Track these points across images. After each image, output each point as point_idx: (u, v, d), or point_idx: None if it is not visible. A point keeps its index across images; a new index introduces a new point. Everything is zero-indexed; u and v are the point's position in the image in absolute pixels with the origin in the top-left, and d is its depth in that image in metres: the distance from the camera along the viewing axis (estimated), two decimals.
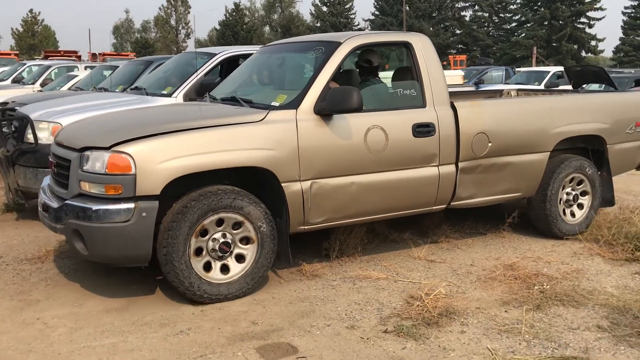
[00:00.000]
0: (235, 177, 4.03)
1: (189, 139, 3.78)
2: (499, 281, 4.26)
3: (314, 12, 57.20)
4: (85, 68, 14.96)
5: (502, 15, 56.73)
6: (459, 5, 56.91)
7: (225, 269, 3.93)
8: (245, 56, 7.32)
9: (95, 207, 3.60)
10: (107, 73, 10.92)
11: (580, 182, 5.44)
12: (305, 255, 4.83)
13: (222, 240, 3.86)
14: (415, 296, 3.94)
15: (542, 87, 16.14)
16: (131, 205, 3.59)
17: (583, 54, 53.56)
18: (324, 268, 4.56)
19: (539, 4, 52.74)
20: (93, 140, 3.84)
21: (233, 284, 3.92)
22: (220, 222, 3.85)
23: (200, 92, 6.17)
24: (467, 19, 57.45)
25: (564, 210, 5.37)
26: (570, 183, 5.38)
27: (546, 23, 52.60)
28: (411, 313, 3.67)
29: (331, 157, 4.16)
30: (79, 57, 29.22)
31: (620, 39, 55.40)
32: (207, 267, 3.89)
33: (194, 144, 3.76)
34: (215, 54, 6.60)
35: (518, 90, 7.55)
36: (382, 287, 4.18)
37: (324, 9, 55.82)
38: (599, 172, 5.51)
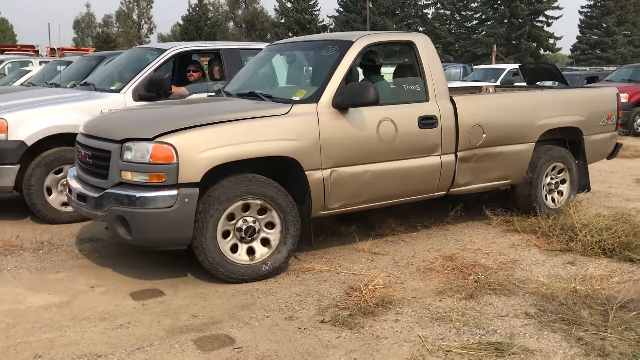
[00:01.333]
0: (259, 166, 4.27)
1: (225, 131, 4.09)
2: (437, 272, 4.40)
3: (278, 8, 57.03)
4: (40, 63, 14.69)
5: (463, 13, 57.56)
6: (422, 3, 57.53)
7: (251, 251, 4.22)
8: (198, 52, 7.40)
9: (140, 194, 3.86)
10: (61, 68, 10.76)
11: (560, 171, 5.97)
12: None
13: (247, 225, 4.16)
14: (354, 287, 4.04)
15: (498, 83, 16.49)
16: (174, 192, 3.86)
17: (542, 51, 54.75)
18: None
19: (499, 2, 53.69)
20: (135, 132, 4.06)
21: (258, 264, 4.21)
22: (246, 208, 4.15)
23: (149, 88, 6.17)
24: (430, 16, 58.12)
25: (546, 196, 5.88)
26: (552, 171, 5.90)
27: (506, 21, 53.58)
28: (349, 303, 3.78)
29: (348, 147, 4.51)
30: (37, 52, 28.57)
31: (577, 37, 56.84)
32: (234, 249, 4.18)
33: (229, 135, 4.07)
34: (165, 50, 6.58)
35: (495, 86, 7.83)
36: (324, 279, 4.27)
37: (289, 5, 55.69)
38: (576, 161, 6.04)
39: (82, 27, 74.46)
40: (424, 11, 58.02)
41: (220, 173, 4.05)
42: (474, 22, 57.06)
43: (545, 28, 54.18)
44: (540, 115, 5.65)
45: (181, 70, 7.06)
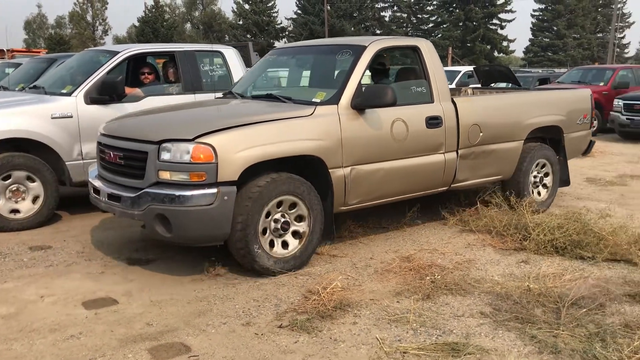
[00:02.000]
0: (287, 164, 4.43)
1: (258, 131, 4.27)
2: (395, 273, 4.42)
3: (236, 9, 56.64)
4: None
5: (420, 16, 58.31)
6: (379, 6, 58.05)
7: (285, 245, 4.45)
8: (152, 54, 7.27)
9: (181, 193, 4.00)
10: (9, 71, 10.43)
11: (543, 166, 6.41)
12: (209, 254, 4.83)
13: (283, 219, 4.39)
14: (313, 290, 4.02)
15: (453, 86, 16.75)
16: (214, 190, 4.01)
17: (496, 54, 55.93)
18: (226, 267, 4.57)
19: (454, 5, 54.64)
20: (173, 133, 4.20)
21: (290, 258, 4.44)
22: (279, 204, 4.36)
23: (101, 91, 6.03)
24: (387, 19, 58.70)
25: (532, 190, 6.29)
26: (536, 167, 6.32)
27: (461, 24, 54.57)
28: (307, 307, 3.76)
29: (366, 145, 4.77)
30: None
31: (530, 40, 58.30)
32: (271, 244, 4.40)
33: (262, 136, 4.26)
34: (118, 52, 6.43)
35: (473, 88, 8.00)
36: (282, 283, 4.24)
37: (246, 6, 55.39)
38: (557, 157, 6.50)
39: (34, 28, 72.34)
40: (382, 14, 58.58)
41: (252, 172, 4.20)
42: (430, 25, 57.90)
43: (499, 31, 55.40)
44: (528, 115, 6.09)
45: (135, 72, 6.92)
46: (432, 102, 5.30)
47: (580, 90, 7.15)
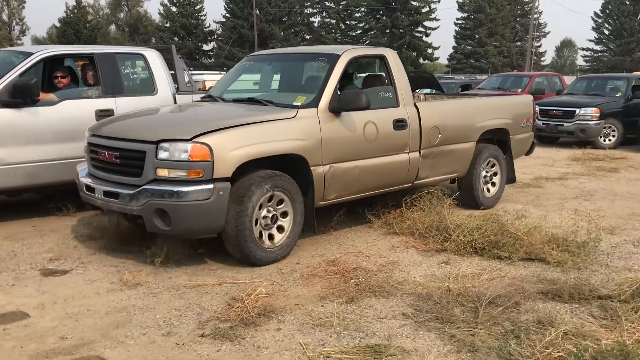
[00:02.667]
0: (271, 162, 4.74)
1: (249, 132, 4.62)
2: (320, 277, 4.43)
3: (163, 12, 55.39)
4: None
5: (348, 22, 59.07)
6: (308, 12, 58.37)
7: (271, 237, 4.79)
8: (70, 56, 6.99)
9: (181, 188, 4.30)
10: None
11: (493, 165, 6.98)
12: (129, 263, 4.68)
13: (271, 214, 4.74)
14: (237, 298, 3.97)
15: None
16: (211, 186, 4.33)
17: (421, 60, 57.39)
18: (147, 276, 4.44)
19: (381, 13, 55.70)
20: (171, 133, 4.50)
21: (276, 250, 4.77)
22: (270, 199, 4.72)
23: (14, 94, 5.73)
24: (316, 24, 59.09)
25: (483, 187, 6.82)
26: (487, 166, 6.88)
27: (388, 31, 55.67)
28: (230, 315, 3.70)
29: (342, 145, 5.18)
30: None
31: (453, 47, 60.22)
32: (260, 236, 4.70)
33: (252, 136, 4.61)
34: (33, 54, 6.13)
35: (425, 94, 8.45)
36: (206, 292, 4.16)
37: (174, 9, 54.30)
38: (505, 157, 7.09)
39: None
40: (311, 19, 58.93)
41: (243, 169, 4.51)
42: (359, 31, 58.73)
43: (424, 38, 56.88)
44: (480, 119, 6.67)
45: (51, 74, 6.61)
46: (398, 106, 5.75)
47: (524, 96, 7.93)
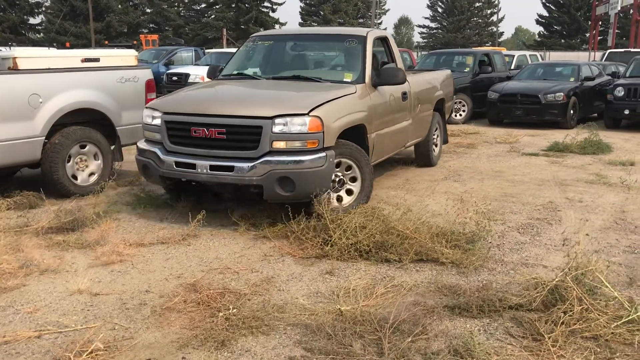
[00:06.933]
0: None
1: (337, 106, 5.15)
2: (179, 311, 3.45)
3: None
4: None
5: None
6: None
7: (339, 199, 5.31)
8: None
9: (303, 158, 4.77)
10: None
11: (436, 129, 8.07)
12: None
13: (338, 178, 5.28)
14: (60, 358, 2.87)
15: None
16: (324, 154, 4.86)
17: None
18: None
19: None
20: (288, 109, 4.88)
21: (346, 208, 5.11)
22: (338, 164, 5.19)
23: None
24: None
25: (434, 148, 8.07)
26: (436, 131, 8.05)
27: (234, 6, 53.90)
28: None
29: (381, 115, 5.95)
30: None
31: (299, 24, 60.13)
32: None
33: (340, 109, 5.17)
34: None
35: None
36: (18, 351, 3.00)
37: None
38: (438, 122, 8.17)
39: None
40: None
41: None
42: (203, 5, 56.35)
43: (271, 14, 56.10)
44: (435, 90, 7.83)
45: None
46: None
47: (448, 71, 9.10)
